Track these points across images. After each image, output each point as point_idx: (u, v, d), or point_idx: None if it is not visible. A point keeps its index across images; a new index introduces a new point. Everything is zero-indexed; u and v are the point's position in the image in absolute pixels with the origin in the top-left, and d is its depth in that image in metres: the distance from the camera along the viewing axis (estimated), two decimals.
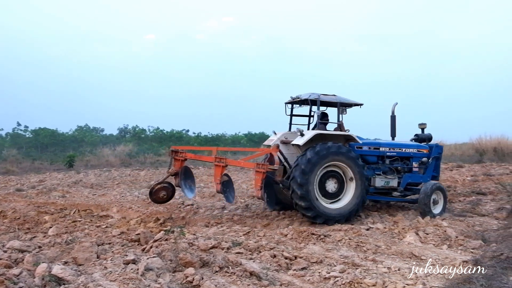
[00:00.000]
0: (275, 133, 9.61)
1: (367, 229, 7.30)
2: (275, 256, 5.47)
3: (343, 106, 8.98)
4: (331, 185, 8.33)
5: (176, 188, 8.35)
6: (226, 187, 8.29)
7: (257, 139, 47.60)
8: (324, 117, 9.02)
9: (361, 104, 9.16)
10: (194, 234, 6.68)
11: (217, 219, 8.42)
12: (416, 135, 10.61)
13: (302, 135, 8.31)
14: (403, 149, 9.74)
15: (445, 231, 7.06)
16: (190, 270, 4.69)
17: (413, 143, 10.27)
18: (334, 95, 8.98)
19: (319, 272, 4.92)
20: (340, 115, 8.90)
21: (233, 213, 9.03)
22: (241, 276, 4.77)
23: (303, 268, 5.13)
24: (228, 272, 4.83)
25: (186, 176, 8.31)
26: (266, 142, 9.61)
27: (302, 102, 9.12)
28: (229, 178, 8.51)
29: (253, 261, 5.28)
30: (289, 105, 9.43)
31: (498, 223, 8.15)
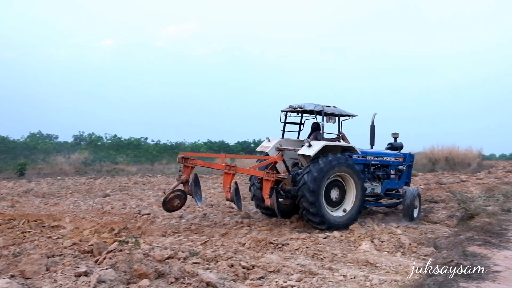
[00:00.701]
0: (268, 140, 9.78)
1: (324, 238, 7.38)
2: (232, 265, 5.42)
3: (339, 116, 9.35)
4: (334, 194, 8.71)
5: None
6: (235, 194, 8.34)
7: (216, 147, 47.40)
8: (321, 127, 9.17)
9: (355, 116, 9.57)
10: (150, 244, 6.53)
11: (174, 229, 8.27)
12: (389, 143, 11.19)
13: (310, 145, 8.54)
14: (385, 158, 10.30)
15: (399, 238, 7.24)
16: (145, 282, 4.57)
17: (392, 152, 10.79)
18: (335, 107, 9.35)
19: (276, 281, 4.92)
20: (341, 126, 9.34)
21: (190, 222, 8.91)
22: (198, 287, 4.68)
23: (260, 278, 5.11)
24: (184, 283, 4.74)
25: (195, 183, 8.18)
26: (261, 149, 9.79)
27: (306, 112, 9.49)
28: (237, 186, 8.58)
29: (210, 271, 5.21)
30: (285, 113, 9.67)
31: (449, 230, 8.44)
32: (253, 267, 5.48)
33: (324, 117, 9.02)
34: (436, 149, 30.93)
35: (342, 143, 9.16)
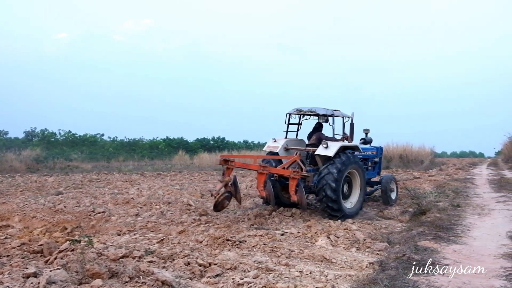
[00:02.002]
0: (274, 140, 10.65)
1: (282, 234, 7.43)
2: (189, 263, 5.37)
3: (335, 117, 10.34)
4: (345, 188, 9.74)
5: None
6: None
7: (175, 144, 46.88)
8: (332, 130, 10.27)
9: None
10: (104, 243, 6.40)
11: (130, 227, 8.11)
12: (362, 139, 12.19)
13: (327, 146, 9.47)
14: (366, 152, 11.67)
15: (354, 234, 7.39)
16: (98, 282, 4.46)
17: (369, 146, 12.12)
18: (339, 110, 10.40)
19: (233, 279, 4.90)
20: (344, 127, 10.53)
21: (147, 220, 8.75)
22: (153, 285, 4.62)
23: (217, 275, 5.09)
24: (138, 282, 4.66)
25: (234, 184, 8.79)
26: (269, 149, 10.52)
27: (318, 115, 10.39)
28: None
29: (166, 270, 5.15)
30: (296, 116, 10.82)
31: (402, 225, 8.69)
32: (210, 264, 5.45)
33: (333, 119, 10.22)
34: (391, 147, 31.84)
35: (346, 142, 10.14)
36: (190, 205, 10.62)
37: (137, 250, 5.83)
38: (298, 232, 7.58)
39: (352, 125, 10.80)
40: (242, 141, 53.65)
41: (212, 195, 8.83)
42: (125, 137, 47.38)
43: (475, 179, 19.95)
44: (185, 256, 5.68)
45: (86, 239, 5.52)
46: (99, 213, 9.48)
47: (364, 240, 7.04)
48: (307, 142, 10.98)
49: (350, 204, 9.80)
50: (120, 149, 42.21)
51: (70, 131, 43.39)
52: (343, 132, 10.46)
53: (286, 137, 10.65)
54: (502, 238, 7.04)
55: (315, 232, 7.55)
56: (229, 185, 8.65)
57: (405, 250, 6.02)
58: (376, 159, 12.25)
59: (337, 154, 9.40)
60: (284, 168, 9.47)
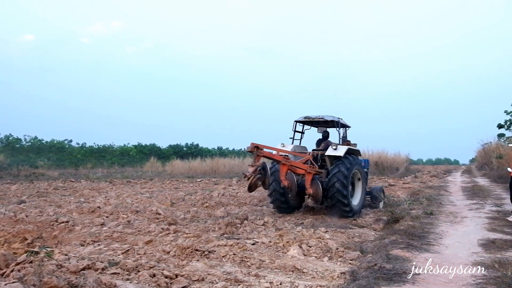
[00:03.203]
0: (283, 145, 11.64)
1: (253, 244, 7.36)
2: (154, 275, 5.25)
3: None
4: (350, 187, 10.75)
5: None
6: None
7: (147, 151, 46.38)
8: (339, 135, 11.70)
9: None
10: (66, 255, 6.20)
11: (95, 237, 7.90)
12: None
13: (336, 148, 10.84)
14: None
15: (326, 243, 7.38)
16: None
17: (362, 159, 13.05)
18: (342, 119, 11.80)
19: None
20: (346, 134, 11.93)
21: (113, 229, 8.56)
22: None
23: (183, 287, 4.98)
24: None
25: (264, 169, 9.90)
26: (271, 149, 10.95)
27: (326, 122, 11.84)
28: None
29: (130, 282, 5.02)
30: (301, 124, 12.13)
31: (375, 234, 8.75)
32: (176, 276, 5.34)
33: (339, 125, 11.63)
34: (366, 154, 32.19)
35: (351, 147, 11.33)
36: (159, 214, 10.46)
37: (100, 262, 5.67)
38: (270, 242, 7.53)
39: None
40: (216, 148, 53.54)
41: (245, 176, 9.73)
42: (94, 143, 46.74)
43: (449, 186, 20.35)
44: (151, 267, 5.56)
45: (45, 250, 5.34)
46: (63, 222, 9.22)
47: (337, 249, 7.04)
48: (314, 148, 12.35)
49: (355, 202, 11.16)
50: (89, 156, 41.55)
51: (36, 137, 42.49)
52: (346, 138, 11.86)
53: (292, 143, 11.91)
54: (473, 246, 7.14)
55: (287, 242, 7.51)
56: (259, 169, 9.73)
57: (377, 259, 6.04)
58: (366, 170, 12.89)
59: (345, 155, 10.77)
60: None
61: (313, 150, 12.17)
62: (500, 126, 32.69)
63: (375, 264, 5.71)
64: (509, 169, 10.36)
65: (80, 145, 45.44)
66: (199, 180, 24.66)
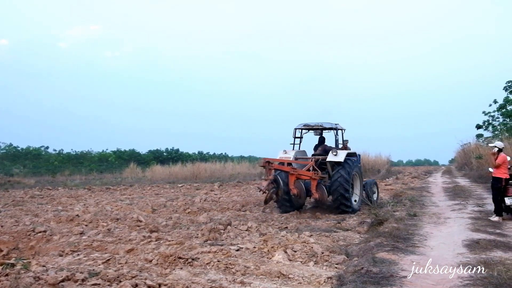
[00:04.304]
0: (285, 152, 12.74)
1: (237, 250, 7.29)
2: (137, 285, 5.14)
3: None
4: (350, 188, 11.94)
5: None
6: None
7: (126, 157, 45.85)
8: (336, 140, 12.96)
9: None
10: (44, 266, 6.04)
11: (74, 247, 7.71)
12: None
13: (336, 154, 11.95)
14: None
15: (312, 247, 7.34)
16: None
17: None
18: (338, 124, 13.06)
19: None
20: (343, 138, 13.16)
21: (92, 238, 8.37)
22: None
23: None
24: None
25: (276, 181, 11.24)
26: (279, 161, 12.12)
27: (325, 129, 13.09)
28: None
29: None
30: (300, 130, 13.23)
31: (360, 237, 8.76)
32: (159, 285, 5.24)
33: (337, 131, 12.92)
34: None
35: (348, 151, 12.50)
36: (140, 221, 10.29)
37: (80, 272, 5.52)
38: (254, 247, 7.45)
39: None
40: (197, 152, 53.27)
41: (260, 190, 11.08)
42: (72, 149, 46.01)
43: (430, 187, 20.59)
44: (133, 277, 5.44)
45: (22, 262, 5.18)
46: (40, 232, 8.97)
47: (322, 253, 7.00)
48: (313, 153, 13.52)
49: (354, 201, 12.29)
50: (67, 163, 40.89)
51: (11, 144, 41.64)
52: (343, 142, 13.05)
53: (293, 149, 12.97)
54: (458, 247, 7.20)
55: (272, 247, 7.44)
56: (272, 182, 10.97)
57: (363, 262, 6.03)
58: (359, 165, 13.74)
59: (345, 159, 11.89)
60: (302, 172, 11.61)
61: (312, 155, 13.42)
62: (478, 127, 33.36)
63: (362, 268, 5.69)
64: (490, 169, 10.49)
65: (57, 152, 44.69)
66: (180, 185, 24.44)
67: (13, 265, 5.19)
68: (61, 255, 7.17)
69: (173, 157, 47.31)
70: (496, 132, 30.48)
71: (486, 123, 32.66)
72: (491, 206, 11.13)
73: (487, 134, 32.95)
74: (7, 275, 5.13)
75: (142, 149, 50.23)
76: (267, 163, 11.10)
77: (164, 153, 49.58)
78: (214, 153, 54.01)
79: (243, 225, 9.58)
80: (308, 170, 11.77)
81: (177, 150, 51.01)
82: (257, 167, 39.48)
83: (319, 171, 11.79)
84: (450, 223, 9.71)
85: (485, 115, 32.96)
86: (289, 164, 12.09)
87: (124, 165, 39.52)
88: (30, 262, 6.17)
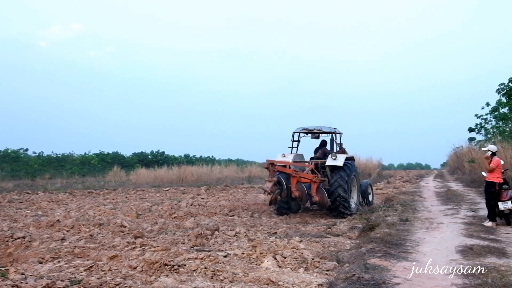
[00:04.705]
0: (284, 155, 13.21)
1: (225, 256, 7.25)
2: None
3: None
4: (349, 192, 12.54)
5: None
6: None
7: (110, 159, 45.54)
8: (335, 143, 13.70)
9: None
10: (23, 273, 5.95)
11: (54, 253, 7.60)
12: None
13: (335, 158, 12.46)
14: None
15: (302, 253, 7.33)
16: None
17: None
18: (336, 128, 13.72)
19: None
20: (341, 141, 13.84)
21: (74, 245, 8.27)
22: None
23: None
24: None
25: (279, 183, 11.79)
26: (280, 163, 12.57)
27: (323, 132, 13.62)
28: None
29: None
30: (298, 134, 13.78)
31: (351, 242, 8.76)
32: None
33: (335, 135, 13.64)
34: None
35: (346, 155, 13.07)
36: (124, 227, 10.21)
37: (61, 280, 5.44)
38: (243, 253, 7.43)
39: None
40: (183, 155, 53.10)
41: (265, 192, 11.63)
42: (52, 152, 45.55)
43: (422, 191, 20.74)
44: (117, 285, 5.38)
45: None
46: (18, 238, 8.84)
47: (312, 259, 7.00)
48: (311, 156, 14.10)
49: (353, 202, 12.82)
50: (47, 166, 40.46)
51: None
52: (341, 146, 13.72)
53: (291, 153, 13.45)
54: (451, 253, 7.24)
55: (261, 253, 7.42)
56: (275, 184, 11.50)
57: (355, 269, 6.03)
58: (356, 168, 14.30)
59: (344, 163, 12.40)
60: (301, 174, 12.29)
61: (311, 158, 14.02)
62: (471, 130, 33.73)
63: (353, 275, 5.69)
64: (483, 173, 10.59)
65: (36, 154, 44.24)
66: (165, 189, 24.34)
67: None
68: (41, 262, 7.08)
69: (158, 160, 47.12)
70: (489, 135, 30.87)
71: (479, 126, 33.04)
72: (484, 211, 11.23)
73: (479, 137, 33.37)
74: None
75: (126, 152, 49.97)
76: (271, 165, 11.65)
77: (149, 156, 49.33)
78: (201, 156, 53.94)
79: (231, 230, 9.54)
80: (308, 173, 12.43)
81: (163, 152, 50.82)
82: (245, 171, 39.54)
83: (319, 174, 12.40)
84: (443, 228, 9.77)
85: (478, 118, 33.37)
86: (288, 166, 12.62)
87: (107, 168, 39.23)
88: (8, 269, 6.07)
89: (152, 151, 50.71)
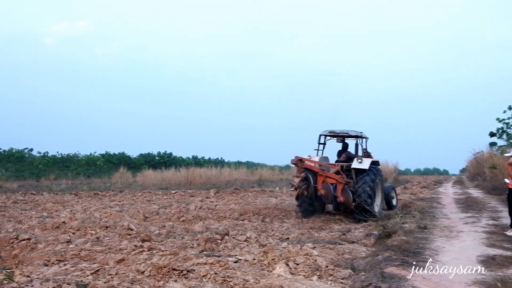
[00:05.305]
0: (310, 157, 13.65)
1: (235, 262, 7.25)
2: None
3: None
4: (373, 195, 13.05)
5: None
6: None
7: (116, 160, 45.82)
8: (361, 147, 14.25)
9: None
10: (28, 276, 5.99)
11: (60, 256, 7.67)
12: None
13: (361, 161, 12.96)
14: None
15: (315, 260, 7.31)
16: None
17: None
18: (362, 132, 14.27)
19: None
20: (366, 146, 14.38)
21: (80, 247, 8.33)
22: None
23: None
24: None
25: (307, 179, 12.48)
26: (308, 160, 13.19)
27: (350, 136, 14.15)
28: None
29: None
30: (324, 136, 14.37)
31: (366, 250, 8.72)
32: None
33: (361, 139, 14.20)
34: None
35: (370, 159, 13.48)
36: (131, 230, 10.26)
37: (67, 284, 5.48)
38: (254, 259, 7.42)
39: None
40: (191, 157, 53.27)
41: (293, 186, 12.39)
42: (57, 152, 45.96)
43: (441, 198, 20.59)
44: None
45: (5, 272, 5.15)
46: (24, 240, 8.94)
47: (326, 267, 6.97)
48: (336, 159, 14.62)
49: (376, 206, 13.11)
50: (52, 166, 40.82)
51: None
52: (366, 150, 14.21)
53: (317, 155, 14.07)
54: (472, 262, 7.16)
55: (273, 259, 7.41)
56: (302, 180, 12.21)
57: (371, 278, 6.00)
58: (381, 172, 14.83)
59: (369, 167, 12.92)
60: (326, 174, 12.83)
61: (336, 161, 14.49)
62: (492, 135, 33.32)
63: (370, 284, 5.66)
64: (506, 180, 10.47)
65: (41, 154, 44.65)
66: (173, 192, 24.43)
67: None
68: (46, 265, 7.14)
69: (165, 161, 47.33)
70: (511, 141, 30.49)
71: (500, 131, 32.64)
72: (507, 220, 11.10)
73: (501, 142, 32.94)
74: None
75: (133, 153, 50.17)
76: (299, 161, 12.35)
77: (156, 157, 49.57)
78: (210, 158, 54.11)
79: (241, 235, 9.55)
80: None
81: (170, 154, 51.03)
82: (256, 173, 39.58)
83: (344, 175, 12.88)
84: (463, 237, 9.68)
85: (499, 122, 32.96)
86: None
87: (113, 170, 39.47)
88: (13, 272, 6.13)
89: (159, 152, 50.97)
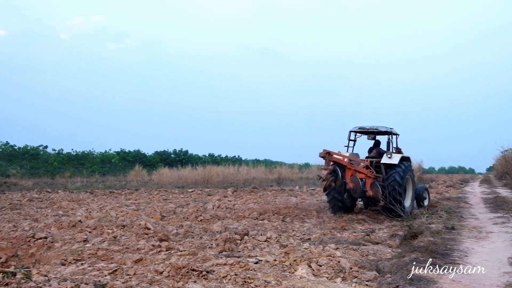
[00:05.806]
0: (339, 152, 13.58)
1: (256, 263, 7.24)
2: None
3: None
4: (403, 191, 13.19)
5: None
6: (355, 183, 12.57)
7: (131, 158, 46.18)
8: (391, 143, 14.35)
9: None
10: (46, 275, 6.06)
11: (77, 255, 7.75)
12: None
13: (391, 157, 13.27)
14: None
15: (338, 261, 7.25)
16: None
17: None
18: (392, 128, 14.35)
19: None
20: (397, 142, 14.67)
21: (97, 246, 8.41)
22: None
23: None
24: None
25: (335, 171, 12.33)
26: (337, 154, 13.19)
27: (380, 132, 14.43)
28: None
29: None
30: (354, 133, 14.63)
31: (391, 251, 8.64)
32: None
33: (392, 135, 14.28)
34: None
35: (400, 154, 13.75)
36: (149, 229, 10.32)
37: (85, 284, 5.53)
38: (275, 260, 7.40)
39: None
40: (207, 155, 53.44)
41: (320, 178, 12.49)
42: (72, 149, 46.54)
43: (468, 198, 20.30)
44: None
45: (23, 271, 5.21)
46: (40, 238, 9.06)
47: (350, 268, 6.92)
48: (366, 155, 14.78)
49: (407, 203, 13.46)
50: (67, 164, 41.31)
51: (7, 143, 42.26)
52: (397, 146, 14.48)
53: (347, 151, 14.20)
54: (503, 265, 7.05)
55: (294, 260, 7.38)
56: (330, 172, 12.17)
57: (398, 280, 5.93)
58: (412, 169, 15.03)
59: (399, 163, 13.14)
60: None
61: (366, 157, 14.61)
62: None
63: (397, 286, 5.61)
64: None
65: (56, 152, 45.21)
66: (190, 190, 24.53)
67: (13, 274, 5.22)
68: (63, 264, 7.22)
69: (181, 159, 47.55)
70: None
71: None
72: None
73: None
74: (7, 284, 5.16)
75: (148, 150, 50.64)
76: (327, 154, 12.45)
77: (172, 155, 49.83)
78: (227, 156, 54.16)
79: (261, 235, 9.53)
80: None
81: (186, 151, 51.27)
82: (274, 172, 39.50)
83: (373, 170, 13.12)
84: (493, 238, 9.53)
85: None
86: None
87: (128, 167, 39.78)
88: (30, 271, 6.20)
89: (175, 149, 51.24)
